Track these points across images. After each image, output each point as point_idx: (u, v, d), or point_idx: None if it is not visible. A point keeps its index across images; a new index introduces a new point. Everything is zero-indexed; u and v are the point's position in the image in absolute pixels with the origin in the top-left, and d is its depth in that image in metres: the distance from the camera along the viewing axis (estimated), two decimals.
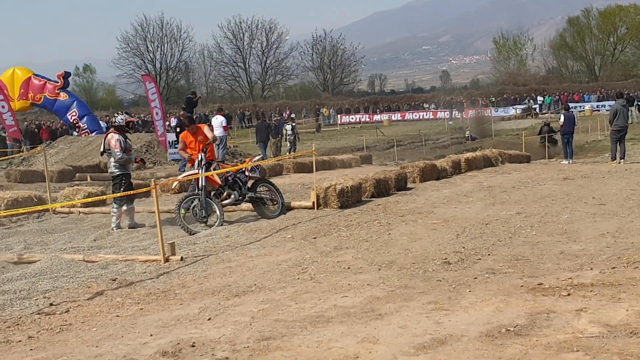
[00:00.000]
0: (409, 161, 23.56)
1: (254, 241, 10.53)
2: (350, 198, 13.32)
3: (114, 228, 12.59)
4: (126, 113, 13.56)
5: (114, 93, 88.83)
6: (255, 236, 10.92)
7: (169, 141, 28.50)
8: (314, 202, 13.16)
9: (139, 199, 14.91)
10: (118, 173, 12.72)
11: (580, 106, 65.04)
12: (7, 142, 36.13)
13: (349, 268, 8.41)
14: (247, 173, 13.10)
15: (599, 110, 61.30)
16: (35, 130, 42.94)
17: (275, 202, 13.15)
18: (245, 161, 13.81)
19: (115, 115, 13.24)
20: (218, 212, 12.19)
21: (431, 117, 70.41)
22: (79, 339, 6.29)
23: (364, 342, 5.59)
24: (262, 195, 13.03)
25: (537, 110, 66.66)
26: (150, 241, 11.10)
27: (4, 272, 9.36)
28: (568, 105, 30.20)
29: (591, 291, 6.60)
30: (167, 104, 59.83)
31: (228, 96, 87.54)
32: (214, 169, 12.61)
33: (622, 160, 21.90)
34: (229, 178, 12.80)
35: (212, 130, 22.94)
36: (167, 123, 34.16)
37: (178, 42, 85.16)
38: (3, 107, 33.01)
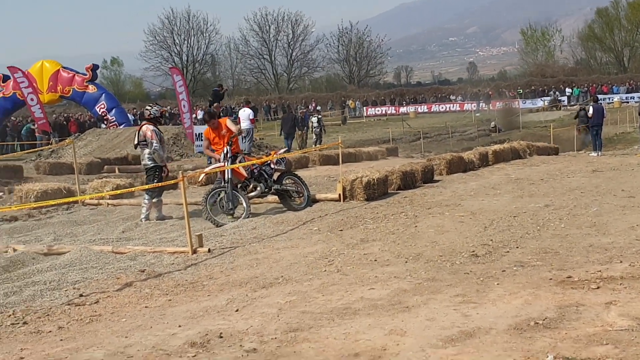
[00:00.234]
0: (436, 153, 23.48)
1: (281, 233, 10.56)
2: (376, 190, 13.29)
3: (143, 219, 12.67)
4: (157, 104, 13.62)
5: (141, 86, 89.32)
6: (282, 228, 10.94)
7: (195, 134, 28.61)
8: (340, 195, 13.15)
9: (166, 191, 14.99)
10: (152, 165, 12.74)
11: (609, 98, 64.43)
12: (36, 134, 36.52)
13: (375, 260, 8.40)
14: (272, 166, 13.11)
15: (627, 102, 60.71)
16: (64, 122, 43.36)
17: (301, 195, 13.15)
18: (270, 154, 13.83)
19: (149, 107, 13.26)
20: (244, 205, 12.22)
21: (458, 109, 70.05)
22: (109, 329, 6.35)
23: (391, 334, 5.59)
24: (288, 187, 13.04)
25: (565, 102, 66.00)
26: (178, 233, 11.17)
27: (34, 263, 9.46)
28: (597, 97, 29.95)
29: (620, 284, 6.55)
30: (193, 97, 60.13)
31: (254, 88, 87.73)
32: (240, 162, 12.64)
33: None
34: (255, 171, 12.81)
35: (238, 122, 23.03)
36: (194, 115, 34.31)
37: (204, 35, 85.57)
38: (32, 99, 33.33)
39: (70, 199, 13.39)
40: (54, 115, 47.25)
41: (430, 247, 8.90)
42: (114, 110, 35.75)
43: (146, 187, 12.43)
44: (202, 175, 14.14)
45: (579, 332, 5.32)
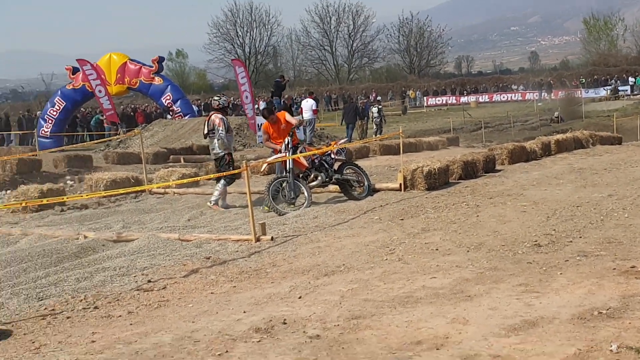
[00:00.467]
0: (497, 143, 23.18)
1: (342, 222, 10.57)
2: (437, 180, 13.20)
3: (212, 202, 12.79)
4: (224, 95, 13.86)
5: (205, 77, 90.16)
6: (343, 217, 10.95)
7: (258, 124, 28.80)
8: (400, 184, 13.10)
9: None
10: (223, 153, 12.92)
11: None
12: (105, 125, 37.19)
13: (437, 249, 8.35)
14: (333, 156, 13.13)
15: None
16: (131, 113, 44.07)
17: (361, 184, 13.13)
18: (331, 144, 13.84)
19: (217, 97, 13.53)
20: (306, 194, 12.27)
21: (520, 98, 68.87)
22: (176, 314, 6.46)
23: (453, 323, 5.56)
24: (349, 177, 13.03)
25: (628, 91, 64.32)
26: (242, 221, 11.28)
27: (105, 250, 9.67)
28: None
29: None
30: (256, 88, 60.41)
31: (315, 79, 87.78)
32: (301, 152, 12.69)
33: None
34: (316, 161, 12.86)
35: (301, 112, 23.10)
36: (256, 106, 34.51)
37: (267, 27, 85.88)
38: (100, 91, 33.92)
39: (138, 188, 13.61)
40: (122, 107, 48.03)
41: (492, 237, 8.81)
42: (179, 102, 36.16)
43: (211, 176, 12.57)
44: (265, 165, 14.23)
45: None
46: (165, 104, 36.20)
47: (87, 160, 23.59)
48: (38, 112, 41.29)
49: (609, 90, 63.83)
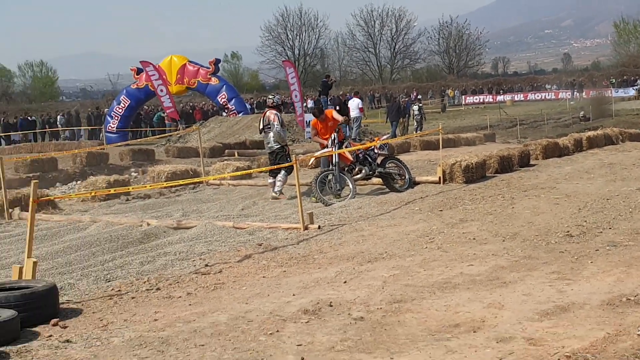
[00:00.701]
0: (532, 139, 22.84)
1: (384, 212, 10.55)
2: (474, 174, 13.09)
3: (277, 192, 12.79)
4: (278, 94, 13.99)
5: (257, 77, 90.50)
6: (385, 208, 10.92)
7: (306, 121, 28.85)
8: (440, 177, 13.02)
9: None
10: (278, 146, 12.96)
11: None
12: (166, 121, 37.63)
13: (474, 239, 8.29)
14: (376, 150, 13.11)
15: None
16: (190, 111, 44.50)
17: (403, 177, 13.09)
18: (374, 140, 13.81)
19: (272, 95, 13.72)
20: (350, 186, 12.28)
21: (553, 97, 67.71)
22: (231, 296, 6.52)
23: (489, 308, 5.52)
24: (391, 170, 13.01)
25: None
26: (291, 211, 11.32)
27: (166, 237, 9.79)
28: None
29: None
30: (304, 87, 60.48)
31: (359, 79, 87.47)
32: (346, 147, 12.71)
33: None
34: (360, 155, 12.87)
35: (348, 111, 23.06)
36: (305, 104, 34.57)
37: (315, 30, 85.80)
38: (162, 90, 34.27)
39: (196, 180, 13.75)
40: (181, 105, 48.45)
41: (527, 227, 8.71)
42: (233, 100, 36.32)
43: (263, 169, 12.65)
44: (313, 159, 14.29)
45: None
46: (221, 103, 36.41)
47: (149, 154, 23.91)
48: (105, 110, 41.96)
49: (636, 90, 62.47)
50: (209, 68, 36.69)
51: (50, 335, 5.56)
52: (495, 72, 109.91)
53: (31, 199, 7.18)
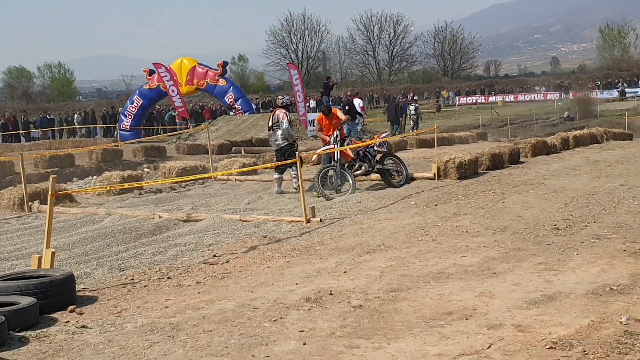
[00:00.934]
0: (522, 138, 22.85)
1: (382, 207, 10.55)
2: (467, 170, 13.09)
3: (296, 187, 12.64)
4: (287, 95, 14.08)
5: (263, 79, 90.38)
6: (383, 202, 10.92)
7: (309, 120, 28.85)
8: (435, 174, 13.02)
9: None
10: (286, 143, 12.89)
11: None
12: (177, 120, 37.66)
13: (466, 232, 8.29)
14: (375, 148, 13.11)
15: None
16: (199, 110, 44.48)
17: (400, 173, 13.08)
18: (374, 138, 13.80)
19: (281, 96, 13.90)
20: (351, 181, 12.28)
21: (542, 98, 67.52)
22: (237, 285, 6.52)
23: (481, 296, 5.53)
24: (389, 167, 13.00)
25: (639, 93, 62.60)
26: (294, 205, 11.33)
27: (176, 229, 9.81)
28: None
29: None
30: (307, 88, 60.42)
31: (359, 81, 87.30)
32: (347, 145, 12.70)
33: None
34: (360, 152, 12.85)
35: (357, 110, 23.01)
36: (307, 104, 34.53)
37: (317, 34, 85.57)
38: (173, 91, 34.29)
39: (205, 175, 13.78)
40: (191, 104, 48.40)
41: (516, 221, 8.71)
42: (240, 100, 36.31)
43: (268, 165, 12.65)
44: (315, 155, 14.28)
45: None
46: (228, 103, 36.40)
47: (161, 151, 23.95)
48: (120, 109, 41.94)
49: (615, 92, 62.38)
50: (217, 70, 36.69)
51: (68, 321, 5.57)
52: (488, 74, 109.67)
53: (50, 193, 7.20)
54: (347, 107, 24.28)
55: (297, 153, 10.76)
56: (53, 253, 6.96)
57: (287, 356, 4.53)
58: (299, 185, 12.58)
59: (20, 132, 39.07)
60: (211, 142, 20.90)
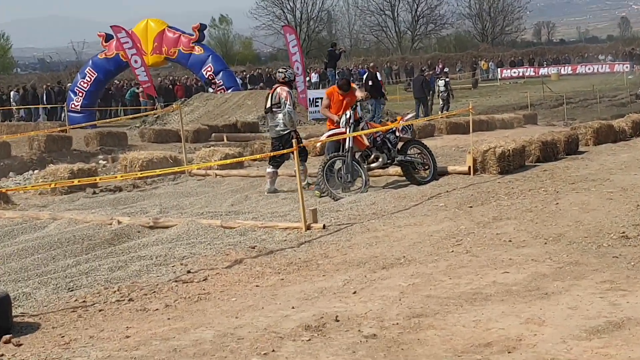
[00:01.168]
0: (581, 121, 22.84)
1: (403, 209, 10.56)
2: (511, 162, 13.09)
3: (305, 184, 12.63)
4: (290, 67, 13.90)
5: (250, 46, 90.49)
6: (404, 204, 10.94)
7: (309, 99, 28.83)
8: (469, 167, 13.02)
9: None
10: (288, 130, 12.79)
11: None
12: (141, 99, 37.67)
13: (510, 241, 8.30)
14: (397, 133, 13.01)
15: None
16: (170, 86, 44.55)
17: (427, 167, 13.04)
18: (397, 119, 13.69)
19: (283, 69, 13.56)
20: (363, 177, 12.21)
21: (607, 70, 67.65)
22: (218, 309, 6.54)
23: (528, 324, 5.53)
24: (413, 159, 12.93)
25: None
26: (290, 207, 11.34)
27: (140, 237, 9.83)
28: None
29: None
30: (308, 58, 60.49)
31: (374, 48, 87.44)
32: (363, 129, 12.57)
33: None
34: (378, 139, 12.75)
35: (382, 85, 23.07)
36: (308, 79, 34.56)
37: None
38: (136, 61, 34.24)
39: (177, 169, 13.79)
40: (159, 79, 48.49)
41: (574, 227, 8.72)
42: (221, 73, 36.33)
43: (258, 156, 12.66)
44: (319, 142, 14.12)
45: None
46: (207, 76, 36.44)
47: (121, 138, 23.98)
48: (68, 84, 42.04)
49: None
50: (192, 35, 36.73)
51: (2, 355, 5.59)
52: (538, 40, 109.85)
53: None
54: (370, 82, 24.39)
55: (293, 141, 10.67)
56: None
57: None
58: (307, 183, 12.66)
59: None
60: (185, 127, 20.92)
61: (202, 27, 37.75)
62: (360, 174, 12.27)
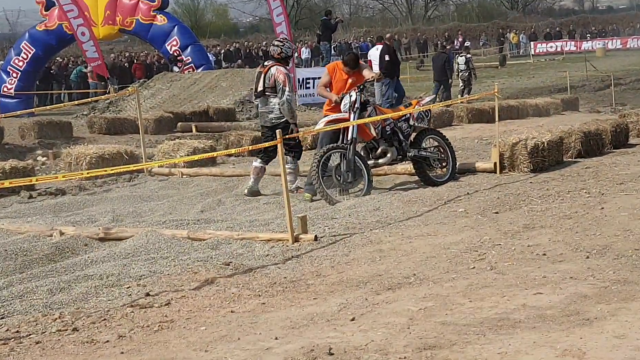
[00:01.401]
0: (632, 107, 22.92)
1: (413, 216, 10.58)
2: (546, 158, 13.14)
3: (294, 187, 12.62)
4: (287, 40, 13.61)
5: (226, 15, 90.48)
6: (415, 209, 10.95)
7: (299, 79, 28.81)
8: (495, 164, 13.06)
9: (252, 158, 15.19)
10: (283, 120, 12.61)
11: None
12: (90, 80, 37.52)
13: (544, 255, 8.32)
14: (412, 121, 12.87)
15: None
16: (126, 65, 44.54)
17: (444, 163, 13.00)
18: (412, 103, 13.53)
19: (279, 42, 12.97)
20: (366, 176, 12.12)
21: None
22: (183, 340, 6.54)
23: (565, 356, 5.55)
24: (429, 153, 12.82)
25: None
26: (274, 214, 11.35)
27: (88, 252, 9.81)
28: None
29: None
30: (296, 29, 60.50)
31: (378, 17, 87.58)
32: (370, 116, 12.40)
33: None
34: (388, 128, 12.60)
35: (370, 65, 23.12)
36: (296, 55, 34.53)
37: None
38: (83, 34, 34.07)
39: (134, 167, 13.76)
40: (112, 55, 48.50)
41: (622, 238, 8.74)
42: (189, 49, 36.29)
43: (235, 150, 12.64)
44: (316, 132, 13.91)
45: None
46: (171, 52, 36.44)
47: (64, 129, 23.97)
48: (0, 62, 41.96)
49: None
50: (153, 2, 36.68)
51: None
52: (580, 7, 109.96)
53: None
54: (387, 57, 24.41)
55: (278, 134, 10.42)
56: None
57: None
58: (296, 188, 12.57)
59: None
60: (144, 115, 20.91)
61: None
62: (364, 172, 12.11)
